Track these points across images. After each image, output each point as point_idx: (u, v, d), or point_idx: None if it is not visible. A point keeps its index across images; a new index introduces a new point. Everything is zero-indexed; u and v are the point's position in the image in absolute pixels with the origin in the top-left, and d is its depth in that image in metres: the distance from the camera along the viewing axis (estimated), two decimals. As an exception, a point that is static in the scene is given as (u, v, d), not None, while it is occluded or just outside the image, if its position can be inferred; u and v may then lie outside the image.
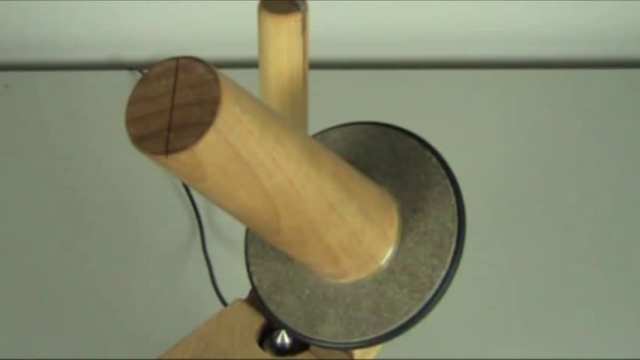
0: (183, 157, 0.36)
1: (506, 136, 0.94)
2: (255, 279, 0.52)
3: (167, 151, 0.36)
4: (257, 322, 0.54)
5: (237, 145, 0.37)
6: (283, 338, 0.53)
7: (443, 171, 0.48)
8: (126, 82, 1.00)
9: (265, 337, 0.54)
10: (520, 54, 1.06)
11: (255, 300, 0.53)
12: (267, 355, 0.53)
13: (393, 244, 0.48)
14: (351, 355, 0.52)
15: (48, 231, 0.85)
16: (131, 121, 0.38)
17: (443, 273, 0.47)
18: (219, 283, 0.78)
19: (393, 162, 0.49)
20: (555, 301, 0.79)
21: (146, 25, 1.03)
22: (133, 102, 0.38)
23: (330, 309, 0.49)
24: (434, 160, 0.48)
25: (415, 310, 0.47)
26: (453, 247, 0.47)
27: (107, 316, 0.78)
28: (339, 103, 0.84)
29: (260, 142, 0.38)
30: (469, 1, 1.00)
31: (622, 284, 0.81)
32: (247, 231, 0.53)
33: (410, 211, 0.48)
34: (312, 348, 0.53)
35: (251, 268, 0.52)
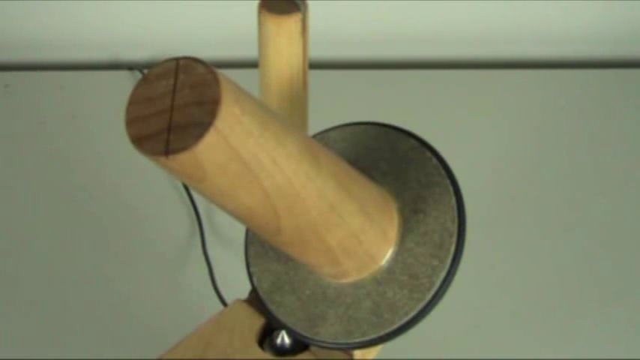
0: (184, 157, 0.36)
1: (507, 136, 0.94)
2: (255, 279, 0.52)
3: (167, 152, 0.36)
4: (257, 322, 0.54)
5: (237, 145, 0.37)
6: (283, 338, 0.53)
7: (443, 171, 0.48)
8: (126, 82, 1.00)
9: (265, 338, 0.54)
10: (520, 54, 1.06)
11: (255, 300, 0.53)
12: (267, 355, 0.53)
13: (393, 245, 0.48)
14: (351, 355, 0.52)
15: (48, 231, 0.85)
16: (131, 121, 0.38)
17: (443, 273, 0.47)
18: (219, 283, 0.78)
19: (393, 162, 0.49)
20: (555, 302, 0.79)
21: (146, 25, 1.03)
22: (132, 102, 0.38)
23: (331, 309, 0.49)
24: (434, 160, 0.48)
25: (415, 311, 0.47)
26: (453, 247, 0.47)
27: (107, 316, 0.78)
28: (339, 103, 0.84)
29: (260, 142, 0.38)
30: (469, 1, 1.00)
31: (622, 284, 0.81)
32: (247, 231, 0.53)
33: (410, 212, 0.48)
34: (312, 348, 0.53)
35: (251, 269, 0.52)
